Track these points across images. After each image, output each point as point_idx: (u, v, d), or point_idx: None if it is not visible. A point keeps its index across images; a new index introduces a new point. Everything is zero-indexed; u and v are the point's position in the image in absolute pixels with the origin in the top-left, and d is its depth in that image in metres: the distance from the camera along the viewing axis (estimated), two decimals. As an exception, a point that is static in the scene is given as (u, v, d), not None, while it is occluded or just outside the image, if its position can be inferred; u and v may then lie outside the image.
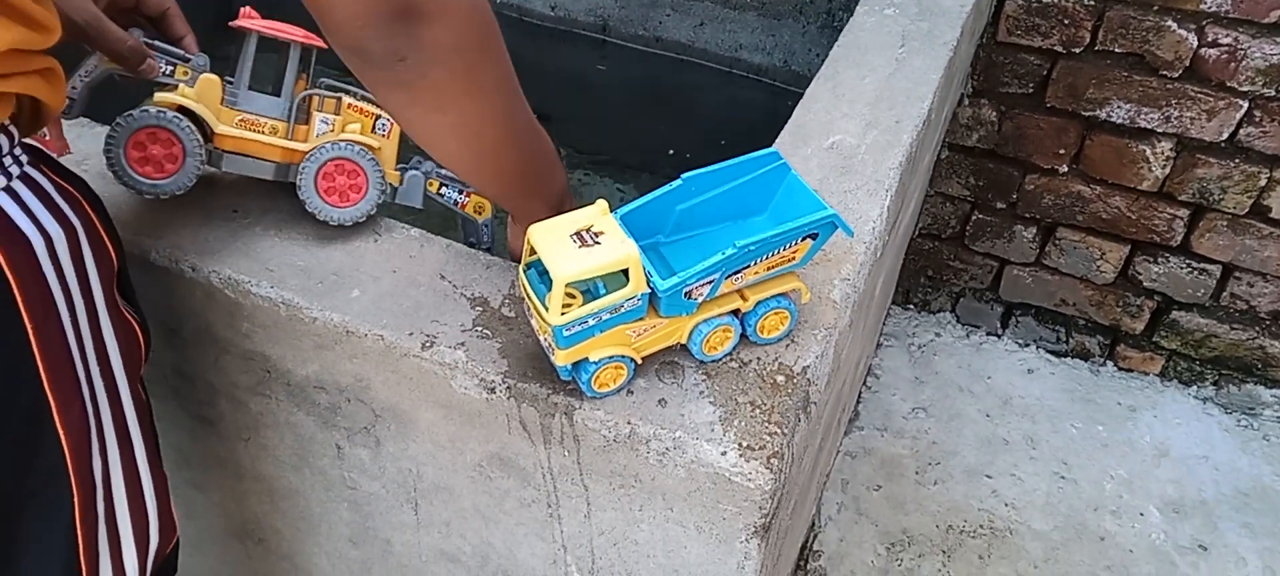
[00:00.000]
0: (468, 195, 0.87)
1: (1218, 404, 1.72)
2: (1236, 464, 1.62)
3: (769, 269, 0.66)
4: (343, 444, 0.84)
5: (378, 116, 0.81)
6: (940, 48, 1.09)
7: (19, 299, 0.57)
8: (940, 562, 1.45)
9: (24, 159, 0.60)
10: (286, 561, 1.06)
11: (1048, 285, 1.73)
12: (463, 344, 0.71)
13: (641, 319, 0.64)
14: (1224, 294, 1.61)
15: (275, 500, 0.97)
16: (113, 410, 0.67)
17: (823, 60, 1.07)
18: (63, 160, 0.74)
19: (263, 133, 0.78)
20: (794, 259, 0.67)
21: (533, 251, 0.63)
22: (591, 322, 0.62)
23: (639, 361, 0.66)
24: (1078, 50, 1.45)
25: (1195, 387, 1.74)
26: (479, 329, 0.72)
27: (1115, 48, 1.42)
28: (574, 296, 0.63)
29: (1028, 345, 1.82)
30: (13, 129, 0.59)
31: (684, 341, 0.67)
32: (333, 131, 0.79)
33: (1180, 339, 1.69)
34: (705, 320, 0.66)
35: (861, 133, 0.94)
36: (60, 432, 0.62)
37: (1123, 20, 1.39)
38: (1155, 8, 1.37)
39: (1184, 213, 1.54)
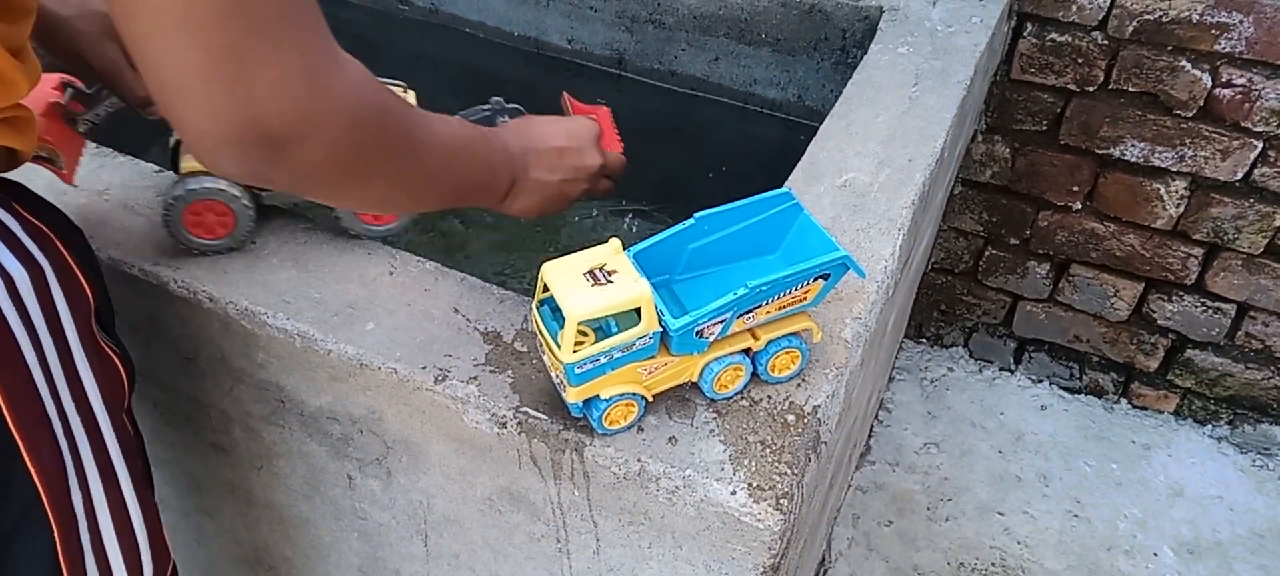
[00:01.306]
0: None
1: (1233, 443, 1.71)
2: (1252, 504, 1.61)
3: (781, 308, 0.67)
4: (354, 474, 0.84)
5: None
6: (954, 86, 1.10)
7: None
8: (951, 601, 1.44)
9: None
10: (296, 589, 1.06)
11: (1061, 321, 1.73)
12: (475, 378, 0.71)
13: (653, 357, 0.64)
14: (1239, 333, 1.60)
15: (286, 528, 0.97)
16: (92, 444, 0.68)
17: (836, 95, 1.08)
18: (68, 187, 0.76)
19: None
20: (806, 299, 0.67)
21: (546, 288, 0.64)
22: (603, 361, 0.62)
23: (650, 399, 0.66)
24: (1092, 89, 1.45)
25: (1210, 427, 1.72)
26: (491, 364, 0.72)
27: (1129, 87, 1.43)
28: (586, 334, 0.63)
29: (1041, 381, 1.81)
30: None
31: (695, 379, 0.68)
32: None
33: (1195, 377, 1.68)
34: (716, 359, 0.67)
35: (874, 171, 0.95)
36: (31, 471, 0.62)
37: (1137, 60, 1.40)
38: (1170, 48, 1.37)
39: (1198, 251, 1.54)
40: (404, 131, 0.59)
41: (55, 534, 0.65)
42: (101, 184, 0.88)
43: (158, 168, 0.90)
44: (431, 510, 0.82)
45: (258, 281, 0.79)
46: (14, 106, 0.61)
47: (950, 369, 1.84)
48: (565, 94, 0.93)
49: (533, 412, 0.68)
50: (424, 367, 0.72)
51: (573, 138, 0.78)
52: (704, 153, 1.49)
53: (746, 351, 0.68)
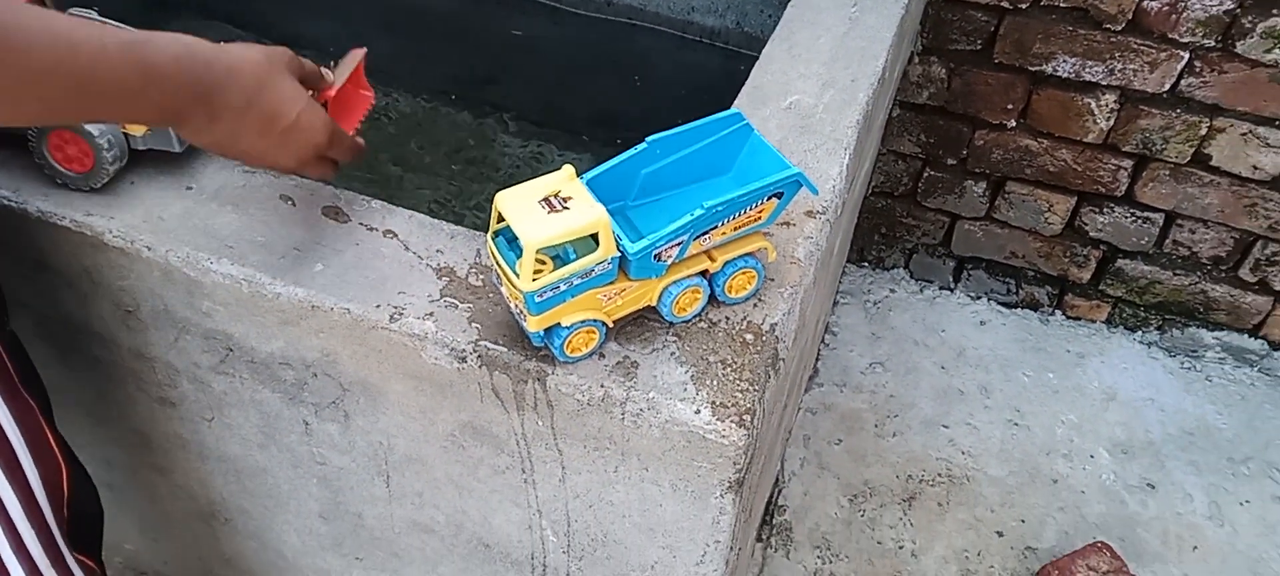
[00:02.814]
0: None
1: (1162, 348, 1.78)
2: (1181, 405, 1.68)
3: (736, 229, 0.67)
4: (310, 420, 0.83)
5: None
6: (893, 5, 1.10)
7: None
8: (901, 511, 1.49)
9: None
10: (254, 540, 1.05)
11: (998, 238, 1.77)
12: (431, 314, 0.70)
13: (612, 282, 0.64)
14: (1167, 241, 1.65)
15: (242, 479, 0.96)
16: None
17: (775, 22, 1.08)
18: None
19: None
20: (760, 218, 0.68)
21: (501, 218, 0.63)
22: (563, 288, 0.62)
23: (610, 325, 0.67)
24: (1024, 6, 1.47)
25: (1140, 333, 1.79)
26: (447, 299, 0.72)
27: (1060, 2, 1.45)
28: (544, 262, 0.63)
29: (979, 298, 1.86)
30: None
31: (654, 303, 0.68)
32: None
33: (1125, 286, 1.74)
34: (674, 282, 0.67)
35: (818, 92, 0.95)
36: None
37: (1067, -25, 1.42)
38: (1098, -38, 1.39)
39: (1128, 163, 1.58)
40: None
41: None
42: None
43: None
44: (392, 450, 0.82)
45: (198, 227, 0.76)
46: None
47: (892, 290, 1.88)
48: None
49: (493, 345, 0.68)
50: (378, 306, 0.71)
51: (290, 133, 0.66)
52: (643, 83, 1.48)
53: (703, 273, 0.68)
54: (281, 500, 0.96)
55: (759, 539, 1.43)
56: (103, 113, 0.62)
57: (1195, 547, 1.47)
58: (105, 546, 1.20)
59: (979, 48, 1.54)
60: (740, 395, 0.65)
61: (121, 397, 0.94)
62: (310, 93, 0.69)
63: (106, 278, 0.80)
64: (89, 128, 0.75)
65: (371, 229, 0.78)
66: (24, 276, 0.85)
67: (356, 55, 0.79)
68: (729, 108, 0.92)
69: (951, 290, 1.88)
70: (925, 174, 1.73)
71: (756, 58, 1.00)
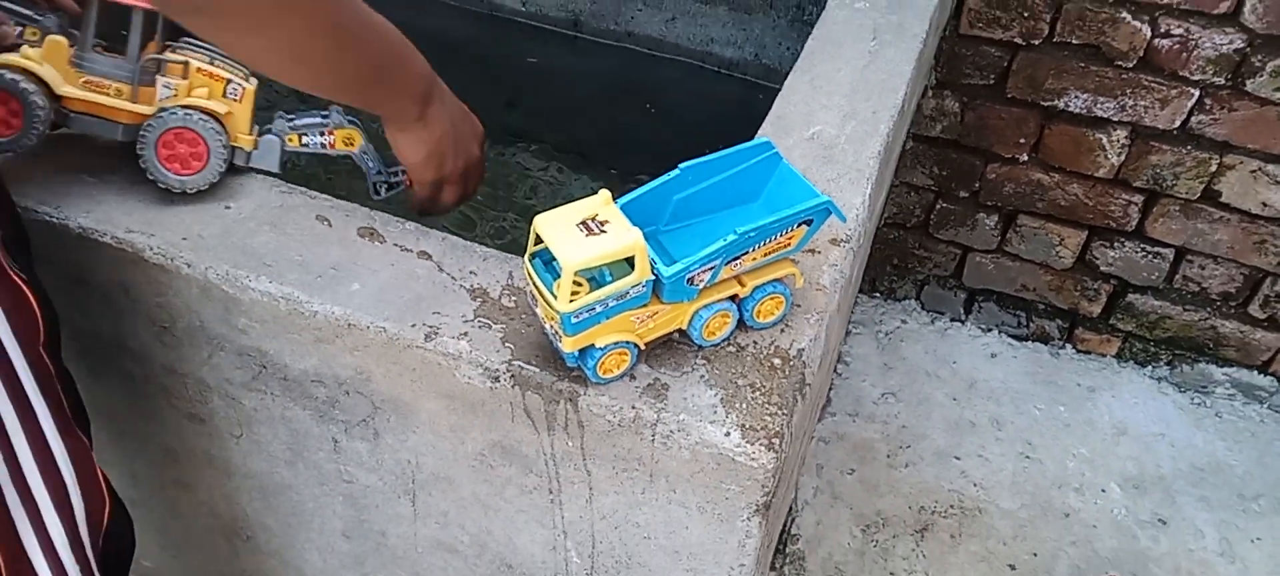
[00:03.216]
0: (330, 133, 0.86)
1: (1172, 383, 1.79)
2: (1192, 440, 1.69)
3: (766, 255, 0.68)
4: (339, 437, 0.85)
5: (228, 81, 0.81)
6: (910, 40, 1.12)
7: None
8: (913, 542, 1.49)
9: None
10: (275, 558, 1.06)
11: (1009, 271, 1.78)
12: (465, 334, 0.72)
13: (645, 305, 0.66)
14: (1177, 276, 1.67)
15: (267, 496, 0.97)
16: (5, 381, 0.67)
17: (793, 53, 1.10)
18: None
19: (107, 94, 0.79)
20: (789, 245, 0.69)
21: (538, 240, 0.64)
22: (598, 309, 0.63)
23: (642, 347, 0.68)
24: (1037, 42, 1.49)
25: (1150, 367, 1.80)
26: (481, 319, 0.73)
27: (1073, 39, 1.47)
28: (581, 283, 0.64)
29: (990, 330, 1.87)
30: None
31: (685, 327, 0.69)
32: (176, 96, 0.80)
33: (1136, 321, 1.75)
34: (705, 305, 0.68)
35: (840, 123, 0.97)
36: None
37: (1079, 12, 1.44)
38: (1110, 0, 1.41)
39: (1139, 198, 1.60)
40: None
41: None
42: (65, 156, 0.86)
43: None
44: (420, 469, 0.83)
45: (236, 245, 0.78)
46: None
47: (904, 321, 1.89)
48: None
49: (526, 365, 0.69)
50: (413, 325, 0.72)
51: (472, 120, 0.82)
52: (663, 113, 1.50)
53: (733, 298, 0.70)
54: (305, 518, 0.97)
55: (773, 568, 1.43)
56: (378, 95, 0.71)
57: (1207, 583, 1.47)
58: (125, 562, 1.21)
59: (992, 82, 1.56)
60: (769, 418, 0.67)
61: (150, 412, 0.95)
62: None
63: (144, 293, 0.82)
64: (17, 84, 0.76)
65: (406, 250, 0.79)
66: (61, 291, 0.87)
67: None
68: (747, 137, 0.94)
69: (963, 322, 1.89)
70: (937, 206, 1.75)
71: (774, 88, 1.03)
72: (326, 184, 1.02)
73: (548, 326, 0.67)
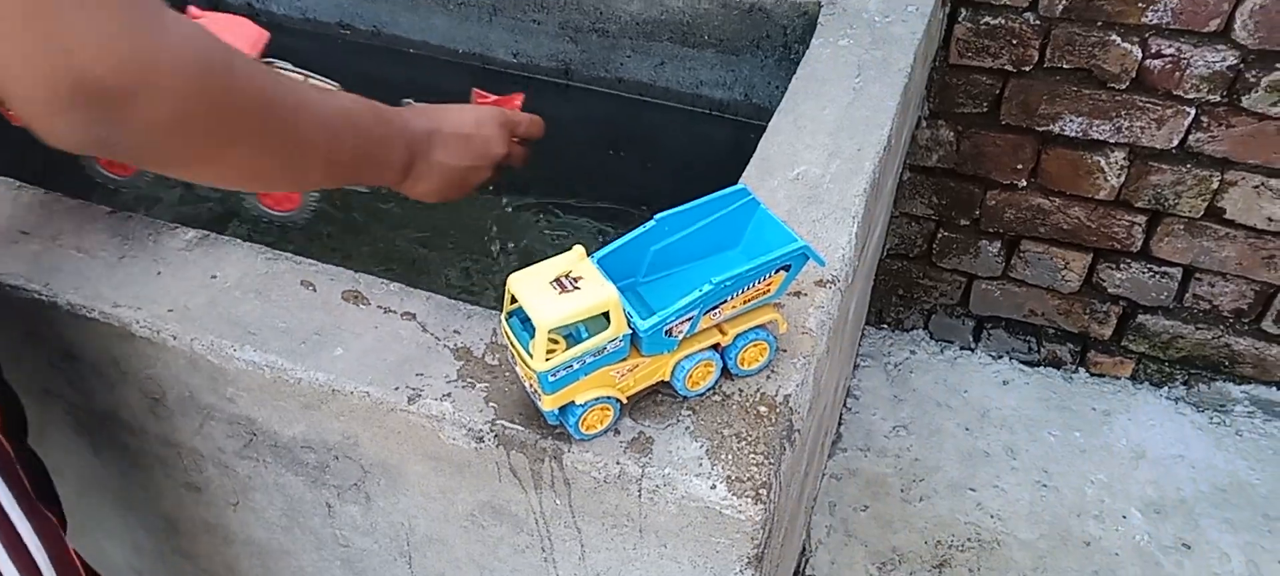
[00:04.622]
0: None
1: (1189, 403, 1.76)
2: (1212, 460, 1.65)
3: (746, 302, 0.68)
4: (333, 502, 0.84)
5: None
6: (895, 74, 1.12)
7: None
8: (930, 579, 1.47)
9: None
10: (279, 624, 1.05)
11: (1016, 297, 1.77)
12: (448, 395, 0.71)
13: (624, 359, 0.65)
14: (1187, 295, 1.65)
15: (267, 562, 0.97)
16: None
17: (782, 92, 1.10)
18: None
19: None
20: (769, 291, 0.69)
21: (514, 300, 0.64)
22: (576, 366, 0.63)
23: (624, 401, 0.67)
24: (1028, 68, 1.49)
25: (1166, 388, 1.77)
26: (464, 379, 0.73)
27: (1063, 64, 1.47)
28: (557, 342, 0.64)
29: (1001, 357, 1.85)
30: None
31: (667, 378, 0.69)
32: None
33: (1148, 342, 1.73)
34: (687, 356, 0.68)
35: (825, 162, 0.96)
36: None
37: (1068, 37, 1.44)
38: (1099, 23, 1.41)
39: (1142, 219, 1.58)
40: (261, 91, 0.57)
41: None
42: (53, 230, 0.87)
43: (109, 209, 0.90)
44: (413, 531, 0.82)
45: (221, 315, 0.78)
46: None
47: (913, 352, 1.87)
48: (474, 90, 0.96)
49: (509, 424, 0.69)
50: (397, 388, 0.72)
51: (480, 125, 0.82)
52: (655, 157, 1.50)
53: (715, 347, 0.69)
54: (305, 583, 0.97)
55: (786, 609, 1.41)
56: (360, 179, 0.72)
57: (1234, 607, 1.43)
58: (132, 633, 1.21)
59: (985, 110, 1.56)
60: (756, 469, 0.66)
61: (149, 484, 0.95)
62: None
63: (134, 366, 0.82)
64: None
65: (389, 311, 0.79)
66: (54, 367, 0.88)
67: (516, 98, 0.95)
68: (738, 177, 0.94)
69: (972, 350, 1.87)
70: (939, 235, 1.74)
71: (764, 128, 1.03)
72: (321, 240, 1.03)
73: (528, 385, 0.67)
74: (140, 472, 0.95)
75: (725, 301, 0.66)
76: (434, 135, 0.77)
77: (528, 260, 0.65)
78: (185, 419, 0.85)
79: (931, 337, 1.89)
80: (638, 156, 1.50)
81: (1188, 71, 1.41)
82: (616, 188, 1.46)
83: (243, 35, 0.86)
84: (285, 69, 0.85)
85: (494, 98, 0.95)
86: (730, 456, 0.67)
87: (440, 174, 0.79)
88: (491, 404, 0.71)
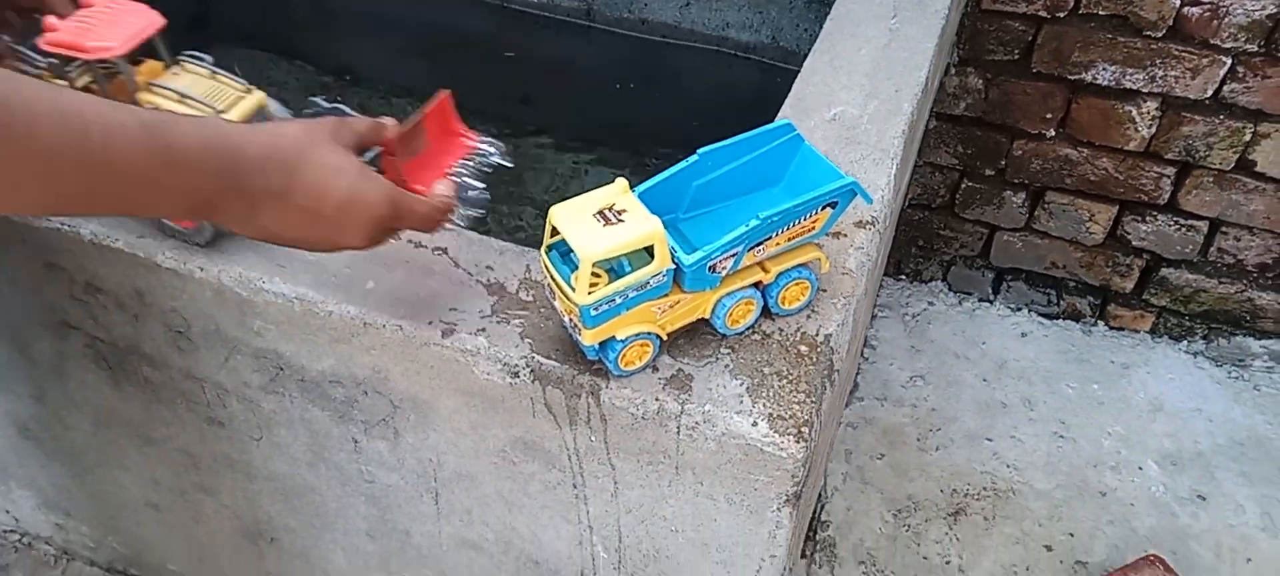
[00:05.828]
0: None
1: (1208, 357, 1.74)
2: (1230, 415, 1.65)
3: (790, 239, 0.66)
4: (360, 437, 0.83)
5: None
6: (932, 16, 1.09)
7: None
8: (946, 526, 1.46)
9: None
10: (300, 559, 1.05)
11: (1038, 249, 1.75)
12: (483, 330, 0.70)
13: (666, 295, 0.64)
14: (1212, 249, 1.62)
15: (289, 498, 0.96)
16: None
17: (810, 36, 1.08)
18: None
19: None
20: (814, 229, 0.67)
21: (555, 232, 0.63)
22: (618, 301, 0.61)
23: (664, 338, 0.66)
24: (1062, 14, 1.46)
25: (1186, 342, 1.76)
26: (498, 314, 0.71)
27: (1099, 10, 1.43)
28: (600, 275, 0.63)
29: (1020, 309, 1.84)
30: None
31: (707, 316, 0.67)
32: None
33: (1170, 295, 1.71)
34: (728, 293, 0.66)
35: (862, 103, 0.94)
36: None
37: (1105, -19, 1.40)
38: (1137, -33, 1.38)
39: (1171, 171, 1.56)
40: (19, 128, 0.46)
41: None
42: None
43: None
44: (442, 467, 0.81)
45: (249, 248, 0.77)
46: None
47: (931, 303, 1.86)
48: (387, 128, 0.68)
49: (546, 359, 0.68)
50: (430, 322, 0.71)
51: (348, 209, 0.59)
52: (680, 100, 1.48)
53: (757, 285, 0.68)
54: (328, 519, 0.96)
55: (803, 555, 1.41)
56: (121, 204, 0.54)
57: (1249, 559, 1.43)
58: (149, 568, 1.21)
59: (1016, 57, 1.53)
60: (797, 407, 0.65)
61: (171, 418, 0.95)
62: (369, 153, 0.63)
63: (158, 299, 0.81)
64: None
65: (421, 246, 0.78)
66: (75, 299, 0.86)
67: (437, 98, 0.71)
68: (766, 121, 0.92)
69: (991, 302, 1.86)
70: (963, 185, 1.72)
71: (792, 71, 1.00)
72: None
73: (567, 320, 0.65)
74: (162, 407, 0.94)
75: (770, 238, 0.65)
76: (268, 197, 0.57)
77: (544, 205, 0.62)
78: (210, 352, 0.84)
79: (950, 289, 1.88)
80: (662, 100, 1.48)
81: (1226, 19, 1.37)
82: (637, 131, 1.43)
83: (132, 21, 0.74)
84: (196, 68, 0.74)
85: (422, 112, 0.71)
86: (772, 394, 0.65)
87: (265, 235, 0.59)
88: (527, 339, 0.69)
